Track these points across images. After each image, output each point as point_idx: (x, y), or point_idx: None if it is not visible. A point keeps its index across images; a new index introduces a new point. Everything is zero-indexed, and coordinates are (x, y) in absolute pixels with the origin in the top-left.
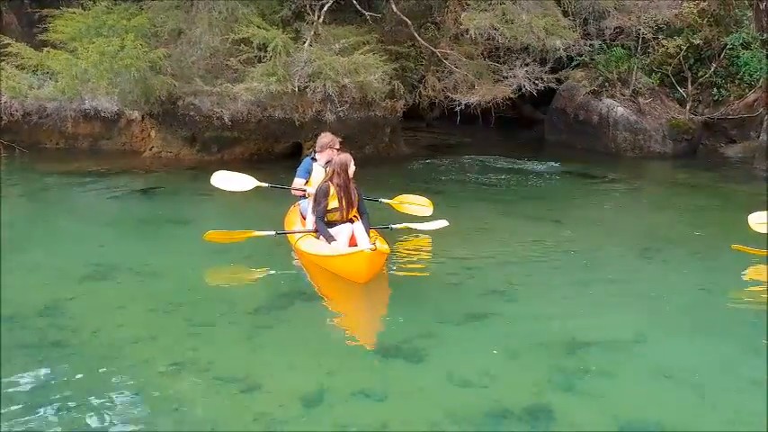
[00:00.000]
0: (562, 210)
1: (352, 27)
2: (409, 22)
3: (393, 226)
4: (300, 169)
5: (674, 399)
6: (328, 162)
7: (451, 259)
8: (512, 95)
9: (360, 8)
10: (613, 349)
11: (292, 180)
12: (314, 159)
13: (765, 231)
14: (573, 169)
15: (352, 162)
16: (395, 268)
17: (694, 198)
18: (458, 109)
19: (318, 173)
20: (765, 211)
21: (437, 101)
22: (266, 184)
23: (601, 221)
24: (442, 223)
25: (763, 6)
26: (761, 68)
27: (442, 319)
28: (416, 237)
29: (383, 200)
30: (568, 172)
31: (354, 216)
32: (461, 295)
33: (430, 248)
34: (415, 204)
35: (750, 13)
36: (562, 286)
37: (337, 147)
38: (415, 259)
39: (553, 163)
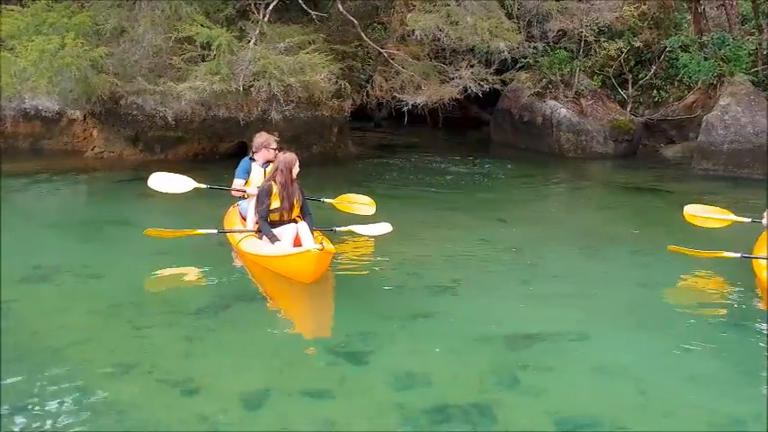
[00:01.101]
0: (507, 209)
1: (298, 26)
2: (356, 21)
3: (337, 229)
4: (239, 169)
5: (613, 394)
6: (267, 162)
7: (397, 258)
8: (458, 96)
9: (306, 7)
10: (554, 345)
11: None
12: (252, 159)
13: (702, 223)
14: (518, 169)
15: (297, 162)
16: (339, 268)
17: (634, 197)
18: (405, 109)
19: (257, 173)
20: (701, 206)
21: (385, 101)
22: (205, 185)
23: (544, 220)
24: (386, 228)
25: (701, 10)
26: (699, 70)
27: (386, 317)
28: (361, 237)
29: (325, 199)
30: (513, 172)
31: (298, 216)
32: (406, 294)
33: (375, 248)
34: (358, 203)
35: (689, 17)
36: (505, 284)
37: (273, 146)
38: (359, 259)
39: (498, 163)
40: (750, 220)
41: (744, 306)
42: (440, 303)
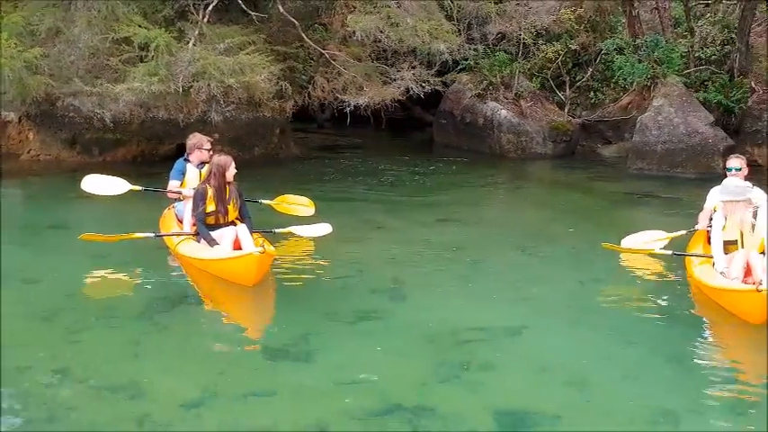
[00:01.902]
0: (449, 209)
1: (238, 27)
2: (296, 22)
3: (276, 230)
4: (174, 171)
5: (552, 389)
6: (202, 163)
7: (339, 260)
8: (400, 97)
9: (245, 8)
10: (495, 342)
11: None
12: (187, 160)
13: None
14: (460, 170)
15: (232, 164)
16: (280, 270)
17: (572, 196)
18: (348, 110)
19: (192, 174)
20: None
21: (327, 102)
22: (140, 187)
23: (485, 220)
24: (326, 229)
25: (635, 13)
26: (633, 72)
27: (328, 318)
28: (302, 238)
29: (263, 200)
30: (455, 172)
31: (237, 219)
32: (348, 295)
33: (315, 249)
34: (296, 204)
35: (623, 20)
36: (447, 283)
37: (207, 147)
38: (301, 261)
39: (441, 164)
40: (685, 231)
41: (677, 301)
42: (382, 303)
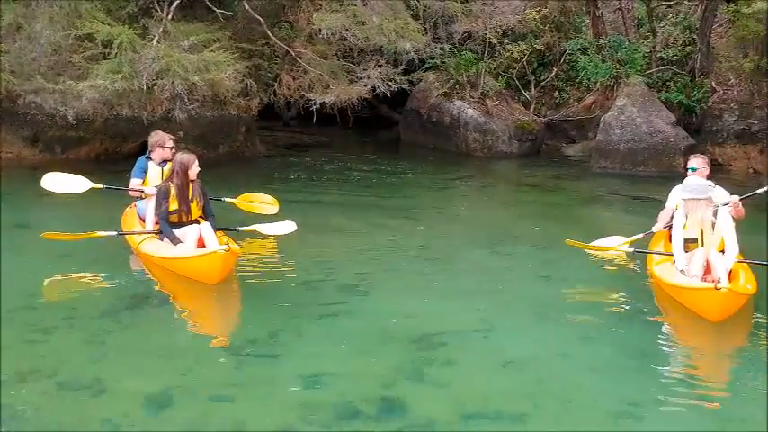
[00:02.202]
0: (415, 207)
1: (203, 24)
2: (262, 20)
3: (240, 228)
4: (135, 169)
5: (516, 384)
6: (164, 161)
7: (304, 258)
8: (367, 96)
9: (210, 5)
10: (459, 340)
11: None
12: (149, 158)
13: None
14: (426, 168)
15: (195, 163)
16: (245, 268)
17: (537, 195)
18: (313, 108)
19: (154, 172)
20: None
21: (293, 100)
22: (101, 186)
23: (451, 218)
24: (291, 227)
25: (598, 14)
26: (597, 72)
27: (293, 317)
28: (266, 237)
29: (226, 199)
30: (422, 171)
31: (201, 217)
32: (314, 293)
33: (280, 248)
34: (260, 203)
35: (587, 20)
36: (412, 281)
37: (169, 145)
38: (266, 259)
39: (408, 162)
40: (642, 234)
41: (638, 298)
42: (347, 302)
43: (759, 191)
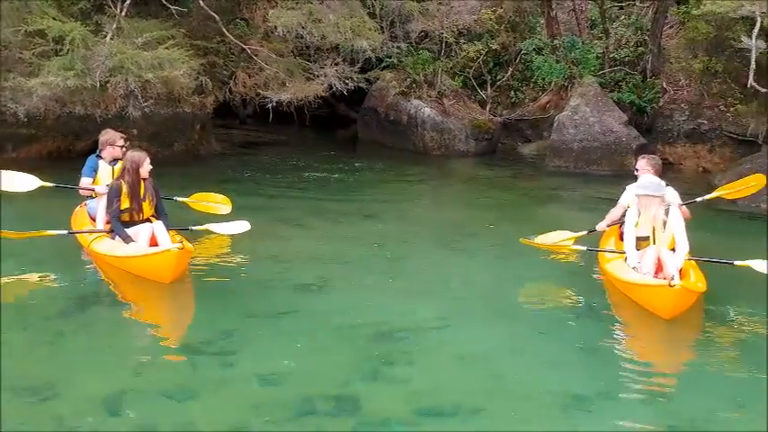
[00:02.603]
0: (372, 206)
1: (157, 21)
2: (217, 17)
3: (193, 227)
4: (86, 168)
5: (472, 380)
6: (115, 160)
7: (260, 257)
8: (323, 94)
9: (164, 2)
10: (416, 336)
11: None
12: (99, 157)
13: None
14: (384, 167)
15: (147, 160)
16: (199, 268)
17: (493, 193)
18: (270, 106)
19: (105, 171)
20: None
21: (249, 98)
22: (51, 184)
23: (408, 217)
24: (244, 226)
25: (553, 14)
26: (551, 73)
27: (249, 316)
28: (220, 236)
29: (178, 198)
30: (379, 170)
31: (153, 216)
32: (269, 292)
33: (236, 248)
34: (212, 202)
35: (542, 21)
36: (370, 279)
37: (120, 143)
38: (220, 258)
39: (365, 161)
40: (586, 232)
41: (590, 294)
42: (304, 300)
43: (698, 199)
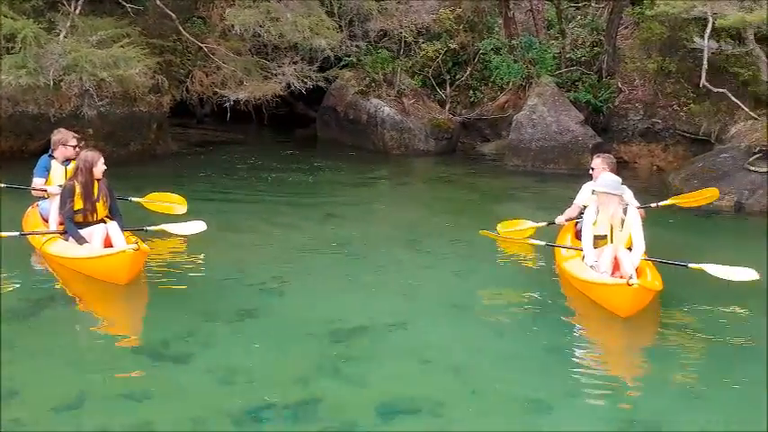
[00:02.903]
0: (332, 205)
1: (112, 19)
2: (173, 15)
3: (148, 228)
4: (38, 168)
5: (432, 377)
6: (68, 160)
7: (217, 258)
8: (282, 93)
9: (120, 0)
10: (376, 335)
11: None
12: (52, 157)
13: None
14: (344, 166)
15: (101, 160)
16: (155, 269)
17: (453, 192)
18: (227, 105)
19: (57, 171)
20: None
21: (206, 97)
22: (2, 185)
23: (369, 216)
24: (200, 226)
25: (510, 14)
26: (509, 72)
27: (207, 317)
28: (176, 237)
29: (133, 198)
30: (339, 169)
31: (107, 217)
32: (227, 293)
33: (193, 248)
34: (168, 202)
35: (500, 21)
36: (330, 279)
37: (72, 143)
38: (176, 259)
39: (325, 160)
40: (546, 223)
41: (548, 291)
42: (263, 301)
43: (653, 204)
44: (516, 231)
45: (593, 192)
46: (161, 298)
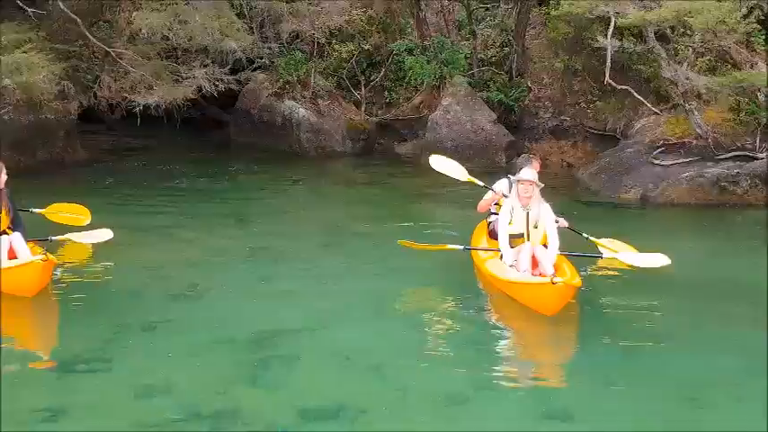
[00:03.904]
0: (248, 209)
1: (14, 24)
2: (78, 20)
3: (53, 238)
4: None
5: (354, 378)
6: None
7: (130, 267)
8: (193, 96)
9: (21, 4)
10: (297, 339)
11: None
12: None
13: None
14: (259, 169)
15: (2, 170)
16: (63, 280)
17: (371, 193)
18: (137, 110)
19: None
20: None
21: (115, 102)
22: None
23: (286, 219)
24: (107, 234)
25: (422, 15)
26: (423, 73)
27: (121, 327)
28: (82, 246)
29: (34, 209)
30: (255, 172)
31: (9, 228)
32: (141, 301)
33: (103, 257)
34: (70, 213)
35: (412, 22)
36: (247, 284)
37: None
38: (86, 269)
39: (239, 163)
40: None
41: (467, 290)
42: (177, 308)
43: (584, 234)
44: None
45: (518, 182)
46: (72, 309)
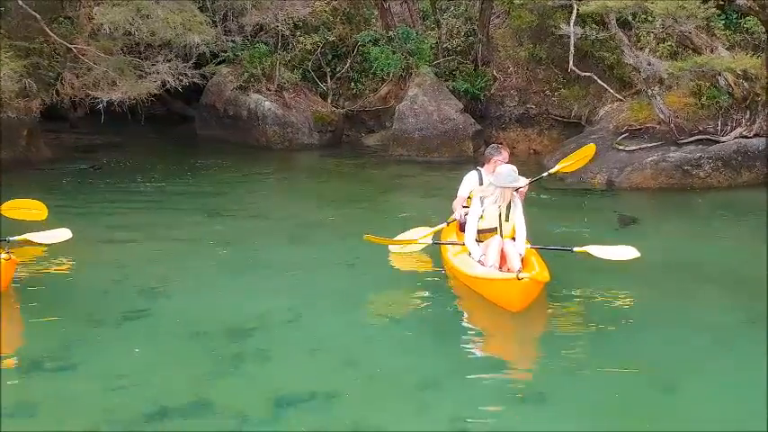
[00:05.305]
0: (216, 204)
1: None
2: (38, 16)
3: (11, 238)
4: None
5: (327, 368)
6: None
7: (96, 264)
8: (157, 91)
9: None
10: (268, 332)
11: None
12: None
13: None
14: (226, 163)
15: None
16: (26, 278)
17: (339, 184)
18: (101, 107)
19: None
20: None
21: (78, 99)
22: None
23: (254, 212)
24: (65, 234)
25: (386, 6)
26: (389, 64)
27: (90, 324)
28: (43, 246)
29: None
30: (221, 166)
31: None
32: (109, 298)
33: (67, 255)
34: (26, 209)
35: (376, 12)
36: (217, 278)
37: None
38: (48, 269)
39: (206, 158)
40: (446, 224)
41: (436, 282)
42: (147, 304)
43: (544, 174)
44: (400, 241)
45: (498, 187)
46: (37, 309)
